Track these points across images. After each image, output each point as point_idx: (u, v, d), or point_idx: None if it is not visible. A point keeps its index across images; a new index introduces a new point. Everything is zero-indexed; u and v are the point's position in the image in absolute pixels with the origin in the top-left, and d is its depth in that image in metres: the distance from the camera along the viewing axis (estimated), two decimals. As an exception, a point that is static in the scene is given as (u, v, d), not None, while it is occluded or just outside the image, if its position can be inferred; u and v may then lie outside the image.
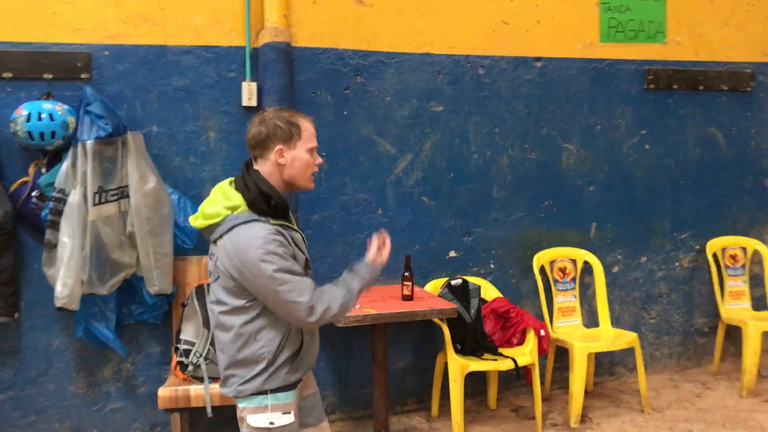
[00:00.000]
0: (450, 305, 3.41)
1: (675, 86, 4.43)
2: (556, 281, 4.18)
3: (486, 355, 3.66)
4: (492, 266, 4.10)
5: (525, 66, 4.11)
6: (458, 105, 3.98)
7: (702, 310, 4.62)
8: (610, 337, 3.99)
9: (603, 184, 4.33)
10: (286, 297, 1.90)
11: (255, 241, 1.88)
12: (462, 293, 3.69)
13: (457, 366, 3.49)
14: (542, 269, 4.13)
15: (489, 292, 3.95)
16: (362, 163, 3.81)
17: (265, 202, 1.97)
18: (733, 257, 4.59)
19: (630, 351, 4.01)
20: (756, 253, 4.59)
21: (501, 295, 3.96)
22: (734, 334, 4.57)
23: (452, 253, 4.00)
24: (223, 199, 1.99)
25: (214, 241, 2.01)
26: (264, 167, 2.04)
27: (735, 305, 4.51)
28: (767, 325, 4.19)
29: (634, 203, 4.41)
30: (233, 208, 1.96)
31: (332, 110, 3.73)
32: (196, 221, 2.05)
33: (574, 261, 4.23)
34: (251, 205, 1.96)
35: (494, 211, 4.09)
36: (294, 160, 2.03)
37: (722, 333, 4.49)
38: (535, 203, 4.18)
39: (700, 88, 4.50)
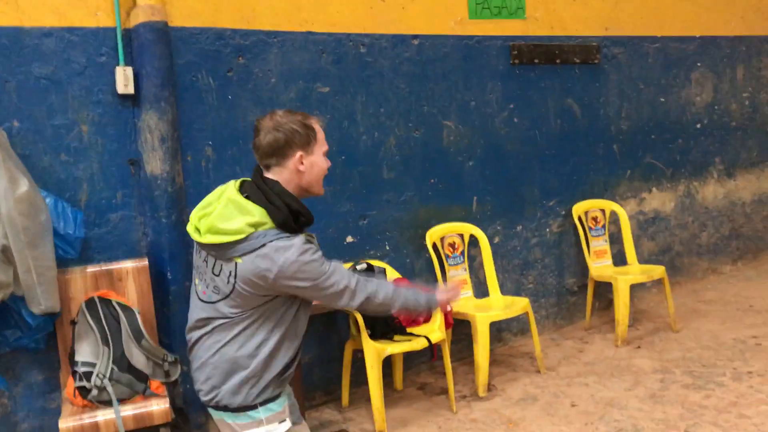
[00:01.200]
0: (364, 291, 3.30)
1: (536, 60, 4.64)
2: (447, 256, 4.23)
3: (397, 337, 3.61)
4: (387, 248, 4.06)
5: (403, 44, 4.08)
6: (344, 85, 3.86)
7: (571, 271, 4.92)
8: (504, 305, 4.12)
9: (480, 158, 4.43)
10: (335, 290, 1.88)
11: (290, 255, 1.78)
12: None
13: (374, 351, 3.41)
14: (434, 246, 4.16)
15: (389, 273, 3.90)
16: (252, 152, 3.55)
17: (294, 220, 1.84)
18: (595, 219, 4.93)
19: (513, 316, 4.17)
20: (612, 213, 4.98)
21: (400, 276, 3.94)
22: (599, 290, 4.94)
23: (349, 239, 3.90)
24: (239, 213, 1.80)
25: (229, 258, 1.81)
26: (282, 175, 1.89)
27: (600, 263, 4.86)
28: (633, 278, 4.57)
29: (508, 175, 4.57)
30: (257, 225, 1.79)
31: (216, 95, 3.44)
32: (204, 237, 1.84)
33: (461, 235, 4.31)
34: (282, 225, 1.82)
35: (386, 193, 4.04)
36: (313, 165, 1.92)
37: (592, 290, 4.82)
38: (423, 181, 4.19)
39: (557, 61, 4.75)
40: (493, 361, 4.33)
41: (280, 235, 1.80)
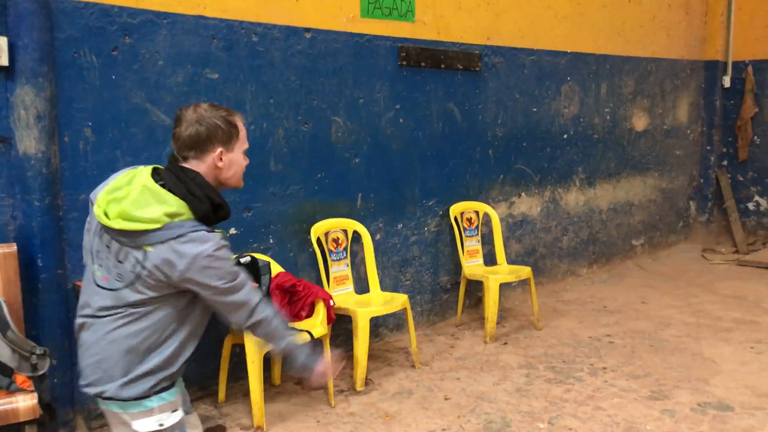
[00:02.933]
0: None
1: (423, 64, 4.76)
2: (330, 252, 4.26)
3: (277, 332, 3.59)
4: (271, 241, 4.02)
5: (296, 36, 4.04)
6: (234, 73, 3.77)
7: (446, 269, 5.11)
8: (383, 301, 4.21)
9: (366, 156, 4.49)
10: (237, 299, 1.84)
11: (205, 249, 1.74)
12: (252, 271, 3.56)
13: (255, 346, 3.37)
14: (318, 241, 4.17)
15: (273, 267, 3.87)
16: (135, 135, 3.41)
17: (214, 212, 1.81)
18: (469, 220, 5.15)
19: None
20: (485, 215, 5.21)
21: (283, 270, 3.92)
22: (470, 288, 5.16)
23: (233, 231, 3.82)
24: (156, 202, 1.74)
25: (138, 246, 1.75)
26: (199, 168, 1.84)
27: (472, 262, 5.08)
28: (502, 278, 4.82)
29: (392, 174, 4.67)
30: (174, 215, 1.74)
31: (98, 74, 3.26)
32: (114, 222, 1.74)
33: (345, 231, 4.35)
34: (202, 217, 1.78)
35: (272, 185, 3.99)
36: (231, 163, 1.90)
37: (464, 288, 5.03)
38: (309, 175, 4.19)
39: (442, 66, 4.90)
40: (370, 356, 4.39)
41: (198, 227, 1.76)
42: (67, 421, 3.18)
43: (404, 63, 4.64)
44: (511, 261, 5.42)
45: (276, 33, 3.94)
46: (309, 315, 3.77)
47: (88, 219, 1.94)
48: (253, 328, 1.93)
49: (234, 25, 3.75)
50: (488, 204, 5.30)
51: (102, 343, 1.83)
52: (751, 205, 7.54)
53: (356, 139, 4.42)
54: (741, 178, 7.58)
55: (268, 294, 3.64)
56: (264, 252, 3.97)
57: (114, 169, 3.29)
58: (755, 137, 7.42)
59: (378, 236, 4.59)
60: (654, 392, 3.79)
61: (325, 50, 4.19)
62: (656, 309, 5.35)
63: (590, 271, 6.38)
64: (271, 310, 1.95)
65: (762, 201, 7.46)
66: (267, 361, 3.95)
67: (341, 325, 4.30)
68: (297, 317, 3.75)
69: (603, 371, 4.11)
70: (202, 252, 1.73)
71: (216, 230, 1.84)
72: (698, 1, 7.34)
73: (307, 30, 4.09)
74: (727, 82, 7.48)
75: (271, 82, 3.94)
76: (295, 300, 3.78)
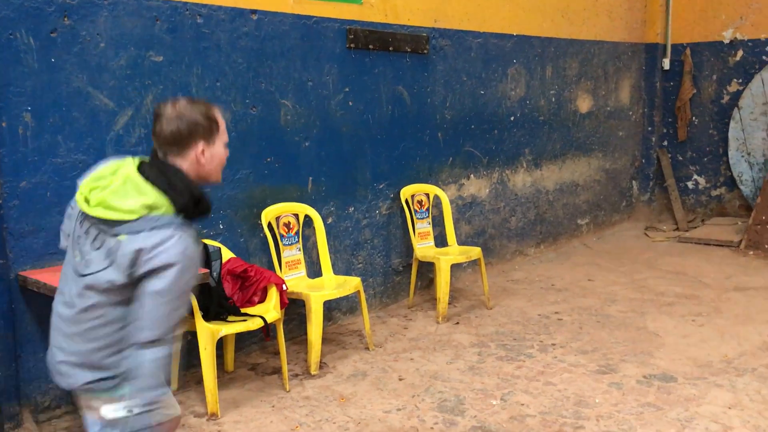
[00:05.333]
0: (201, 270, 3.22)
1: (371, 46, 4.75)
2: (282, 236, 4.23)
3: (231, 318, 3.56)
4: (221, 227, 3.97)
5: (242, 18, 3.98)
6: (179, 56, 3.69)
7: (397, 251, 5.13)
8: (336, 285, 4.20)
9: (316, 139, 4.47)
10: (163, 312, 1.73)
11: (175, 255, 1.70)
12: (203, 257, 3.50)
13: (208, 333, 3.34)
14: (269, 225, 4.14)
15: (224, 253, 3.82)
16: (77, 120, 3.31)
17: (194, 205, 1.80)
18: (420, 202, 5.18)
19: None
20: (436, 197, 5.25)
21: (234, 255, 3.88)
22: (421, 269, 5.20)
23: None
24: (136, 193, 1.73)
25: (114, 234, 1.74)
26: (182, 165, 1.82)
27: (424, 244, 5.12)
28: (453, 259, 4.87)
29: (342, 157, 4.65)
30: (151, 207, 1.73)
31: (36, 56, 3.14)
32: (93, 210, 1.74)
33: (296, 215, 4.32)
34: (182, 210, 1.76)
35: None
36: (213, 157, 1.87)
37: (415, 270, 5.06)
38: (259, 160, 4.14)
39: (390, 48, 4.89)
40: (324, 340, 4.40)
41: (174, 222, 1.73)
42: (13, 416, 3.09)
43: (352, 45, 4.61)
44: (461, 242, 5.48)
45: (221, 15, 3.87)
46: (261, 300, 3.74)
47: (71, 204, 1.94)
48: (148, 348, 1.71)
49: (178, 7, 3.66)
50: (438, 186, 5.33)
51: (74, 330, 1.80)
52: (690, 184, 7.79)
53: (306, 123, 4.38)
54: (681, 158, 7.81)
55: (219, 280, 3.60)
56: (214, 238, 3.92)
57: (56, 155, 3.23)
58: (693, 118, 7.65)
59: (329, 220, 4.58)
60: (602, 366, 3.90)
61: (272, 32, 4.13)
62: (602, 285, 5.50)
63: (538, 251, 6.51)
64: (170, 349, 1.77)
65: (700, 179, 7.71)
66: (220, 348, 3.92)
67: (294, 309, 4.29)
68: (249, 303, 3.72)
69: (552, 347, 4.21)
70: (174, 246, 1.70)
71: (193, 230, 1.80)
72: (638, -15, 7.51)
73: (254, 12, 4.03)
74: (666, 64, 7.69)
75: (218, 64, 3.87)
76: (247, 285, 3.74)
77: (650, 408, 3.37)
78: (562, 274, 5.86)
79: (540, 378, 3.77)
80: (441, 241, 5.26)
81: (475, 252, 4.98)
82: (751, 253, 6.32)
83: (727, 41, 7.32)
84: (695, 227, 7.35)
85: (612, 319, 4.70)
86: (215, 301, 3.53)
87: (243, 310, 3.64)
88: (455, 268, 5.43)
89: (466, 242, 5.63)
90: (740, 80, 7.27)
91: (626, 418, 3.28)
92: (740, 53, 7.25)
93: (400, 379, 3.80)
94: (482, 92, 5.73)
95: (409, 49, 5.03)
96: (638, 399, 3.47)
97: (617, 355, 4.05)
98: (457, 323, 4.71)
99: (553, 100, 6.50)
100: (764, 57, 7.08)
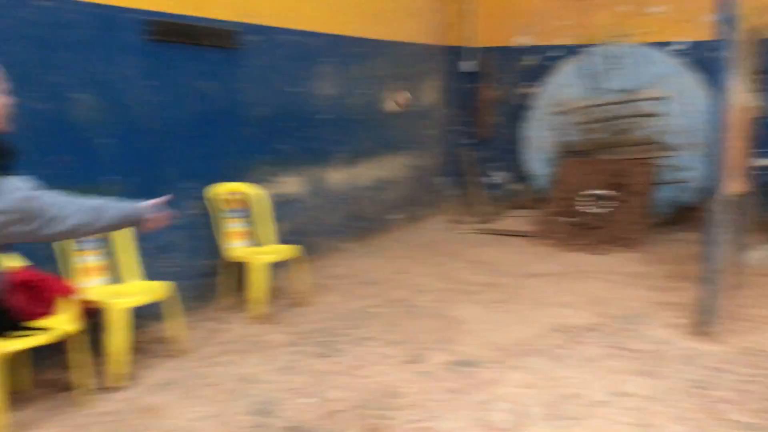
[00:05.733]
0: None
1: (176, 39, 4.56)
2: (80, 240, 3.93)
3: (16, 333, 3.24)
4: (6, 233, 3.59)
5: (27, 5, 3.63)
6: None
7: (210, 253, 4.98)
8: (142, 290, 3.99)
9: (116, 136, 4.20)
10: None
11: None
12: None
13: (-9, 352, 3.02)
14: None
15: (11, 262, 3.46)
16: None
17: None
18: (233, 201, 5.06)
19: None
20: (250, 195, 5.16)
21: (24, 264, 3.53)
22: (235, 270, 5.09)
23: (-44, 222, 3.35)
24: None
25: None
26: None
27: (237, 244, 5.01)
28: (269, 258, 4.82)
29: (146, 155, 4.42)
30: None
31: None
32: None
33: (95, 218, 4.03)
34: None
35: (4, 170, 3.56)
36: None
37: (229, 271, 4.94)
38: (49, 159, 3.81)
39: (197, 42, 4.72)
40: (131, 349, 4.16)
41: None
42: None
43: (155, 38, 4.39)
44: (277, 241, 5.43)
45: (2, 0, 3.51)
46: (51, 312, 3.44)
47: None
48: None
49: (-55, -13, 3.26)
50: (252, 184, 5.24)
51: None
52: (491, 179, 8.35)
53: (104, 119, 4.10)
54: (482, 155, 8.34)
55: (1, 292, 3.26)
56: (-2, 245, 3.54)
57: None
58: (493, 118, 8.20)
59: (133, 222, 4.32)
60: (411, 356, 4.05)
61: (63, 21, 3.82)
62: (413, 278, 5.72)
63: (354, 246, 6.63)
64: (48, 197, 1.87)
65: (500, 175, 8.29)
66: (13, 366, 3.56)
67: (98, 318, 4.00)
68: (40, 314, 3.41)
69: (366, 341, 4.30)
70: None
71: None
72: (442, -10, 7.89)
73: (41, -3, 3.70)
74: (467, 66, 8.16)
75: (-2, 54, 3.50)
76: (38, 295, 3.43)
77: (455, 394, 3.56)
78: (377, 268, 6.02)
79: (353, 372, 3.83)
80: (256, 240, 5.17)
81: (292, 250, 4.96)
82: (544, 241, 6.89)
83: (519, 46, 7.92)
84: (496, 219, 7.89)
85: (421, 309, 4.91)
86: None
87: (31, 324, 3.33)
88: (271, 267, 5.37)
89: (284, 240, 5.58)
90: (532, 83, 7.90)
91: (433, 405, 3.43)
92: (531, 58, 7.89)
93: (212, 385, 3.69)
94: (295, 90, 5.72)
95: (217, 44, 4.89)
96: (444, 386, 3.65)
97: (425, 345, 4.23)
98: (273, 323, 4.67)
99: (364, 99, 6.65)
100: (550, 62, 7.76)
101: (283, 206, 5.68)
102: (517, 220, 7.69)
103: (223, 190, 4.99)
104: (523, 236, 7.15)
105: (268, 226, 5.14)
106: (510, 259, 6.31)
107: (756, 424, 3.18)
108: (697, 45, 7.03)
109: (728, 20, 4.05)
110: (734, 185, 4.76)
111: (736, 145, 4.73)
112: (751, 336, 4.27)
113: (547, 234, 6.98)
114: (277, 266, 5.52)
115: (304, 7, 5.71)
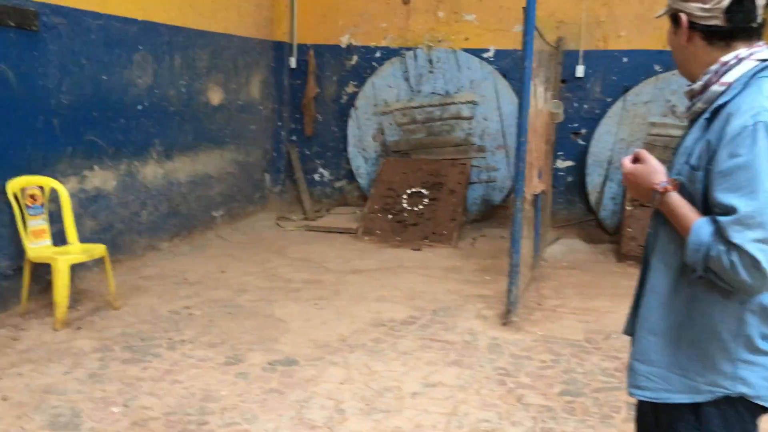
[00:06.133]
0: None
1: (-38, 16, 4.08)
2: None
3: None
4: None
5: None
6: None
7: (5, 253, 4.53)
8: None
9: None
10: None
11: None
12: None
13: None
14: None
15: None
16: None
17: None
18: (33, 197, 4.64)
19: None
20: (52, 190, 4.76)
21: None
22: (37, 272, 4.68)
23: None
24: None
25: None
26: None
27: (38, 243, 4.61)
28: (73, 258, 4.48)
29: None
30: None
31: None
32: None
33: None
34: None
35: None
36: None
37: (29, 273, 4.53)
38: None
39: (-11, 21, 4.27)
40: None
41: None
42: None
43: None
44: (84, 239, 5.07)
45: None
46: None
47: None
48: None
49: None
50: (55, 178, 4.84)
51: None
52: (317, 176, 8.38)
53: None
54: (308, 152, 8.35)
55: None
56: None
57: None
58: (318, 115, 8.24)
59: None
60: (230, 357, 3.95)
61: None
62: (235, 277, 5.59)
63: (171, 245, 6.35)
64: None
65: (325, 172, 8.35)
66: None
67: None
68: None
69: (181, 344, 4.14)
70: None
71: None
72: (266, -16, 7.78)
73: None
74: (293, 63, 8.13)
75: None
76: None
77: (273, 394, 3.52)
78: (196, 268, 5.81)
79: (167, 377, 3.67)
80: (61, 238, 4.78)
81: (99, 249, 4.65)
82: (367, 238, 7.04)
83: (344, 46, 8.02)
84: (321, 216, 7.93)
85: (242, 309, 4.81)
86: None
87: None
88: (78, 268, 4.99)
89: (91, 239, 5.22)
90: (356, 82, 8.04)
91: (250, 407, 3.37)
92: (355, 58, 8.02)
93: (4, 399, 3.35)
94: (105, 78, 5.36)
95: (13, 24, 4.45)
96: (262, 386, 3.60)
97: (245, 345, 4.15)
98: (79, 328, 4.35)
99: (184, 90, 6.39)
100: (374, 63, 7.93)
101: (92, 202, 5.31)
102: (341, 217, 7.78)
103: (23, 184, 4.56)
104: (346, 233, 7.25)
105: (71, 223, 4.76)
106: (333, 256, 6.37)
107: (551, 407, 3.46)
108: (506, 53, 7.52)
109: (531, 31, 4.36)
110: (535, 185, 5.16)
111: (537, 147, 5.12)
112: (548, 324, 4.65)
113: (369, 230, 7.14)
114: (85, 267, 5.17)
115: (116, -10, 5.36)
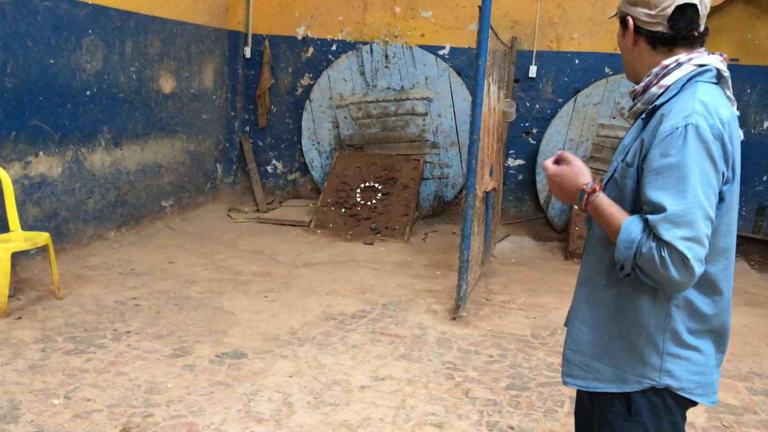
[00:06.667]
0: None
1: None
2: None
3: None
4: None
5: None
6: None
7: (-58, 240, 4.37)
8: None
9: None
10: None
11: None
12: None
13: None
14: None
15: None
16: None
17: None
18: (-28, 182, 4.48)
19: None
20: (-7, 176, 4.62)
21: None
22: (-24, 259, 4.53)
23: None
24: None
25: None
26: None
27: (-22, 231, 4.46)
28: (15, 246, 4.35)
29: None
30: None
31: None
32: None
33: None
34: None
35: None
36: None
37: (-33, 260, 4.38)
38: None
39: (-72, -2, 4.10)
40: None
41: None
42: None
43: None
44: (27, 227, 4.93)
45: None
46: None
47: None
48: None
49: None
50: (-3, 164, 4.69)
51: None
52: (269, 168, 8.31)
53: None
54: (261, 144, 8.27)
55: None
56: None
57: None
58: (272, 106, 8.16)
59: None
60: (176, 350, 3.90)
61: None
62: (183, 268, 5.51)
63: (119, 234, 6.22)
64: None
65: (278, 164, 8.28)
66: None
67: None
68: None
69: (127, 335, 4.06)
70: None
71: None
72: (222, -28, 7.67)
73: None
74: (248, 52, 8.03)
75: None
76: None
77: (220, 386, 3.49)
78: (144, 258, 5.71)
79: (111, 369, 3.60)
80: (2, 226, 4.64)
81: (43, 237, 4.53)
82: (319, 231, 7.02)
83: (300, 37, 7.96)
84: (274, 209, 7.88)
85: (190, 301, 4.75)
86: None
87: None
88: (20, 256, 4.86)
89: (35, 227, 5.08)
90: (311, 75, 7.99)
91: (196, 399, 3.33)
92: (311, 50, 7.97)
93: (-61, 391, 3.25)
94: (52, 61, 5.20)
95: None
96: (209, 379, 3.57)
97: (192, 337, 4.10)
98: (20, 318, 4.23)
99: (134, 77, 6.25)
100: (330, 56, 7.90)
101: (36, 189, 5.16)
102: (294, 210, 7.74)
103: (-39, 168, 4.40)
104: (299, 225, 7.22)
105: (14, 210, 4.62)
106: (285, 249, 6.34)
107: (497, 401, 3.52)
108: (461, 51, 7.59)
109: (486, 30, 4.40)
110: (487, 182, 5.22)
111: (489, 145, 5.19)
112: (496, 320, 4.72)
113: (322, 224, 7.12)
114: (27, 255, 5.03)
115: (65, -29, 5.21)
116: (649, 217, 1.54)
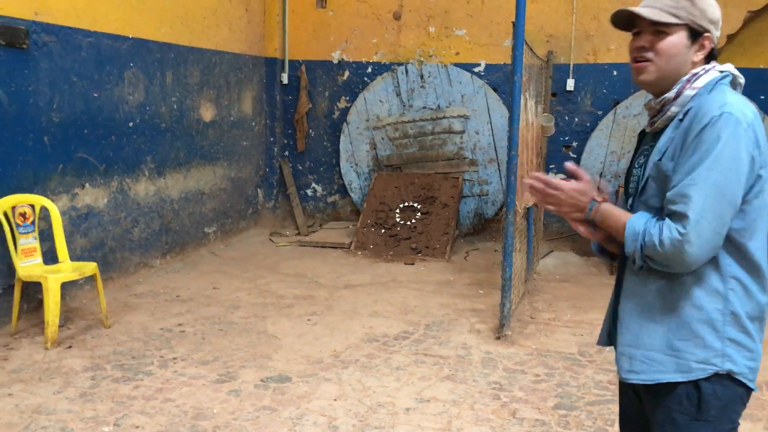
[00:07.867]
0: None
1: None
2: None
3: None
4: None
5: None
6: None
7: (-5, 272, 4.51)
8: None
9: None
10: None
11: None
12: None
13: None
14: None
15: None
16: None
17: None
18: (23, 215, 4.61)
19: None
20: (43, 208, 4.74)
21: None
22: (27, 291, 4.65)
23: None
24: None
25: None
26: None
27: (29, 262, 4.58)
28: (64, 276, 4.45)
29: None
30: None
31: None
32: None
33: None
34: None
35: None
36: None
37: (19, 291, 4.50)
38: None
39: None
40: None
41: None
42: None
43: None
44: (76, 257, 5.05)
45: None
46: None
47: None
48: None
49: None
50: (46, 196, 4.82)
51: None
52: (309, 191, 8.38)
53: None
54: (300, 167, 8.36)
55: None
56: None
57: None
58: (310, 130, 8.25)
59: None
60: (222, 375, 3.93)
61: None
62: (227, 293, 5.57)
63: (164, 262, 6.33)
64: None
65: (318, 187, 8.35)
66: None
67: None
68: None
69: (173, 362, 4.11)
70: None
71: None
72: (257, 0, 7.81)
73: None
74: (285, 78, 8.15)
75: None
76: None
77: (266, 411, 3.50)
78: (188, 284, 5.79)
79: (158, 396, 3.64)
80: (51, 257, 4.76)
81: (90, 267, 4.63)
82: (360, 253, 7.03)
83: (336, 61, 8.05)
84: (314, 231, 7.92)
85: (234, 326, 4.78)
86: None
87: None
88: (69, 286, 4.97)
89: (83, 257, 5.20)
90: (348, 98, 8.06)
91: (243, 425, 3.34)
92: (347, 73, 8.04)
93: (-6, 420, 3.32)
94: (96, 95, 5.35)
95: (3, 42, 4.45)
96: (255, 403, 3.58)
97: (237, 362, 4.12)
98: (70, 347, 4.31)
99: (175, 107, 6.39)
100: (366, 78, 7.96)
101: (83, 220, 5.29)
102: (334, 232, 7.77)
103: (14, 202, 4.54)
104: (340, 247, 7.24)
105: (62, 241, 4.74)
106: (326, 271, 6.36)
107: (545, 420, 3.45)
108: (497, 67, 7.56)
109: (521, 45, 4.38)
110: (527, 198, 5.16)
111: (528, 161, 5.14)
112: (541, 338, 4.64)
113: (362, 245, 7.13)
114: (76, 285, 5.14)
115: (103, 8, 5.36)
116: (669, 195, 1.65)
